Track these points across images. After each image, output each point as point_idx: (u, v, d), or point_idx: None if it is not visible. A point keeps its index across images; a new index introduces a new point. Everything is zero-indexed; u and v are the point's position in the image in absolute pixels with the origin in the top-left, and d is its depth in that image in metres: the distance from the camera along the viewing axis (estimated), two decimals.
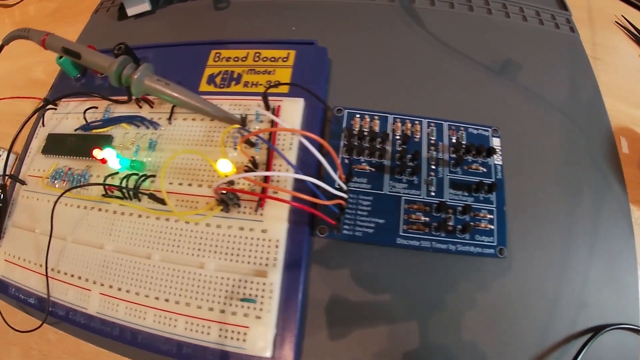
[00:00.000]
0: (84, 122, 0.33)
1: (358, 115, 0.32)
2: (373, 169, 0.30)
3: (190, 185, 0.29)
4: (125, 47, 0.33)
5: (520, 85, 0.34)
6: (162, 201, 0.28)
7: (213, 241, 0.27)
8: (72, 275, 0.30)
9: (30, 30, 0.34)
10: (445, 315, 0.27)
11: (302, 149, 0.28)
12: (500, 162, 0.31)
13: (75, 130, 0.34)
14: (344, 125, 0.31)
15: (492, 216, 0.30)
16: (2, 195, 0.34)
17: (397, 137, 0.31)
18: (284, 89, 0.31)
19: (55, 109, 0.36)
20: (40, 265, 0.31)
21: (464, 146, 0.31)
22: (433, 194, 0.30)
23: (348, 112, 0.32)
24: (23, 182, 0.35)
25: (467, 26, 0.36)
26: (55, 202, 0.29)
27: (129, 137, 0.32)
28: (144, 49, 0.35)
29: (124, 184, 0.29)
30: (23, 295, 0.32)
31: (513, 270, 0.28)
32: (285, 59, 0.32)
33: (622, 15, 0.41)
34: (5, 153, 0.41)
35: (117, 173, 0.31)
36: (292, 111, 0.30)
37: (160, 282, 0.27)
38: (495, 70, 0.35)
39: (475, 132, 0.32)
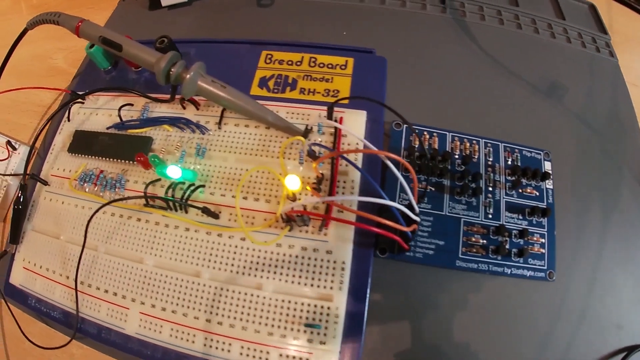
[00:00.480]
0: (119, 120, 0.30)
1: (417, 131, 0.30)
2: (433, 189, 0.29)
3: (245, 198, 0.26)
4: (168, 41, 0.30)
5: (565, 107, 0.33)
6: (215, 215, 0.26)
7: (272, 261, 0.25)
8: (107, 291, 0.27)
9: (61, 15, 0.30)
10: (499, 337, 0.26)
11: (367, 163, 0.27)
12: (551, 187, 0.31)
13: (108, 128, 0.30)
14: (403, 140, 0.30)
15: (543, 240, 0.29)
16: (21, 196, 0.31)
17: (456, 157, 0.30)
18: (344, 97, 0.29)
19: (83, 102, 0.33)
20: (67, 277, 0.28)
21: (521, 169, 0.30)
22: (490, 216, 0.29)
23: (407, 127, 0.30)
24: (45, 182, 0.31)
25: (515, 44, 0.36)
26: (95, 212, 0.26)
27: (172, 141, 0.29)
28: (184, 43, 0.32)
29: (169, 194, 0.27)
30: (45, 308, 0.28)
31: (558, 292, 0.28)
32: (343, 67, 0.30)
33: None
34: (23, 147, 0.37)
35: (158, 180, 0.28)
36: (355, 124, 0.28)
37: (211, 303, 0.25)
38: (542, 90, 0.34)
39: (528, 154, 0.31)
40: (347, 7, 0.35)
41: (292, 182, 0.24)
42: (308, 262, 0.25)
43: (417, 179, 0.29)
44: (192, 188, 0.26)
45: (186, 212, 0.26)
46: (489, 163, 0.30)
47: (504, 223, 0.29)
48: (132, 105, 0.31)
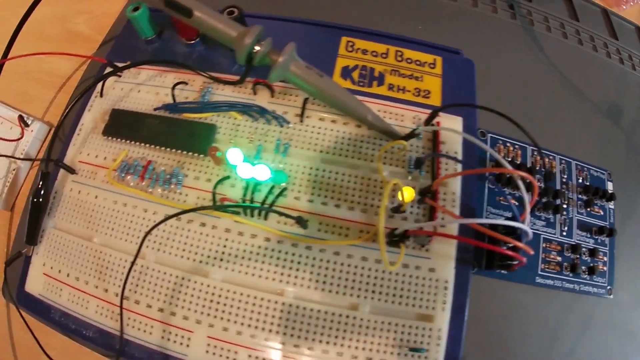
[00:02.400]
0: (171, 101, 0.24)
1: (500, 142, 0.28)
2: (517, 204, 0.27)
3: (337, 206, 0.22)
4: (239, 12, 0.24)
5: (622, 128, 0.33)
6: (304, 224, 0.21)
7: (370, 278, 0.21)
8: (162, 311, 0.21)
9: None
10: (564, 352, 0.26)
11: (466, 178, 0.23)
12: (613, 207, 0.30)
13: (156, 109, 0.24)
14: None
15: (605, 258, 0.28)
16: (42, 187, 0.23)
17: (539, 171, 0.28)
18: (436, 101, 0.25)
19: (120, 76, 0.26)
20: (106, 290, 0.22)
21: (593, 188, 0.29)
22: (564, 233, 0.28)
23: (491, 136, 0.27)
24: (72, 171, 0.24)
25: (578, 59, 0.34)
26: (171, 217, 0.20)
27: (242, 131, 0.23)
28: (251, 18, 0.26)
29: (247, 196, 0.21)
30: (75, 325, 0.22)
31: (615, 308, 0.27)
32: (432, 66, 0.26)
33: None
34: (37, 124, 0.29)
35: (227, 178, 0.22)
36: (451, 128, 0.24)
37: (298, 326, 0.20)
38: (602, 109, 0.33)
39: (595, 174, 0.30)
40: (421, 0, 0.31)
41: (407, 193, 0.20)
42: (409, 280, 0.21)
43: (503, 192, 0.26)
44: (277, 191, 0.21)
45: (265, 218, 0.21)
46: (564, 180, 0.28)
47: (577, 241, 0.28)
48: (186, 84, 0.25)
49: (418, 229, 0.18)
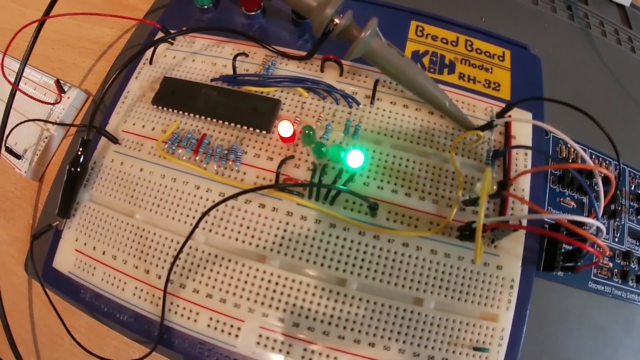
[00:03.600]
0: (231, 73, 0.22)
1: (562, 142, 0.26)
2: (575, 206, 0.25)
3: (408, 195, 0.20)
4: None
5: None
6: (375, 211, 0.19)
7: (438, 273, 0.19)
8: (209, 296, 0.19)
9: None
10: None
11: (535, 173, 0.22)
12: None
13: (213, 80, 0.22)
14: (550, 150, 0.25)
15: None
16: (81, 156, 0.21)
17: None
18: (505, 94, 0.23)
19: (172, 43, 0.23)
20: (147, 272, 0.19)
21: None
22: (616, 239, 0.26)
23: (553, 136, 0.26)
24: (115, 140, 0.22)
25: (631, 66, 0.33)
26: (230, 198, 0.17)
27: (308, 109, 0.21)
28: None
29: (314, 179, 0.19)
30: (108, 307, 0.19)
31: None
32: (501, 58, 0.24)
33: None
34: (74, 91, 0.26)
35: (292, 157, 0.20)
36: (522, 125, 0.22)
37: (360, 320, 0.18)
38: None
39: None
40: None
41: (489, 185, 0.18)
42: (476, 277, 0.19)
43: (563, 193, 0.25)
44: (349, 175, 0.19)
45: (331, 203, 0.19)
46: (618, 186, 0.27)
47: (628, 248, 0.26)
48: (246, 55, 0.22)
49: (502, 222, 0.16)
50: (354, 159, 0.17)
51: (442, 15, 0.23)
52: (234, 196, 0.17)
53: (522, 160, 0.21)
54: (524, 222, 0.19)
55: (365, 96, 0.20)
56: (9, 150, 0.25)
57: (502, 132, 0.21)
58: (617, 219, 0.26)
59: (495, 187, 0.16)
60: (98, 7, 0.29)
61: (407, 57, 0.18)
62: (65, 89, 0.26)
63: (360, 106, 0.20)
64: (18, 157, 0.26)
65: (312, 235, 0.18)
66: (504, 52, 0.23)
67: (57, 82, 0.26)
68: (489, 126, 0.19)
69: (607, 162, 0.27)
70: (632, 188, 0.27)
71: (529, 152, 0.21)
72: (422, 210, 0.19)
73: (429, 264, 0.18)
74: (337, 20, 0.18)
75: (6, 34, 0.24)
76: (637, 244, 0.27)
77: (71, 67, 0.27)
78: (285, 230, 0.18)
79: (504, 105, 0.21)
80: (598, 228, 0.16)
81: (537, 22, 0.29)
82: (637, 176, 0.27)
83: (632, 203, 0.27)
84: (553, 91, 0.25)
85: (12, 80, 0.24)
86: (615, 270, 0.25)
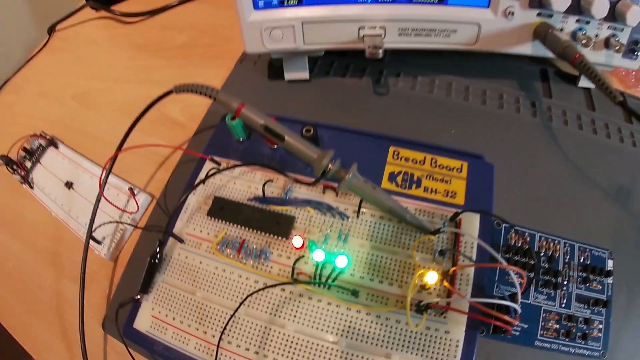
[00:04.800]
0: (261, 195, 0.41)
1: (513, 231, 0.43)
2: (522, 280, 0.42)
3: (381, 282, 0.38)
4: (314, 130, 0.41)
5: (630, 209, 0.47)
6: (357, 294, 0.37)
7: (402, 335, 0.36)
8: (247, 349, 0.36)
9: (219, 93, 0.39)
10: None
11: (479, 260, 0.39)
12: (612, 282, 0.44)
13: (249, 200, 0.41)
14: (502, 238, 0.42)
15: (601, 326, 0.43)
16: (158, 252, 0.41)
17: (543, 255, 0.43)
18: (460, 200, 0.41)
19: (219, 167, 0.43)
20: (205, 332, 0.38)
21: (591, 268, 0.43)
22: (563, 305, 0.43)
23: (505, 226, 0.43)
24: (181, 240, 0.41)
25: (591, 147, 0.49)
26: (266, 288, 0.36)
27: (314, 222, 0.39)
28: (320, 126, 0.41)
29: (318, 272, 0.38)
30: (175, 357, 0.38)
31: None
32: (459, 170, 0.41)
33: None
34: (143, 196, 0.47)
35: (303, 256, 0.39)
36: (471, 225, 0.39)
37: None
38: (610, 193, 0.47)
39: (596, 253, 0.45)
40: (453, 104, 0.47)
41: (432, 277, 0.36)
42: (430, 338, 0.36)
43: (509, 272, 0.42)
44: (339, 270, 0.38)
45: (328, 289, 0.38)
46: (566, 260, 0.43)
47: (574, 312, 0.42)
48: (272, 181, 0.42)
49: (435, 303, 0.34)
50: (341, 261, 0.35)
51: (413, 139, 0.41)
52: (268, 287, 0.35)
53: (468, 251, 0.38)
54: (467, 303, 0.36)
55: (353, 211, 0.39)
56: (93, 238, 0.46)
57: (453, 232, 0.38)
58: (563, 289, 0.42)
59: (431, 279, 0.34)
60: (154, 121, 0.48)
61: (378, 188, 0.36)
62: (135, 192, 0.47)
63: (350, 219, 0.39)
64: (98, 242, 0.47)
65: (316, 309, 0.37)
66: (462, 165, 0.41)
67: (131, 189, 0.46)
68: (438, 231, 0.37)
69: (556, 241, 0.43)
70: (582, 260, 0.44)
71: (475, 242, 0.38)
72: (391, 293, 0.37)
73: (395, 329, 0.36)
74: (330, 166, 0.36)
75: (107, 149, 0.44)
76: (585, 306, 0.43)
77: (136, 172, 0.47)
78: (298, 306, 0.37)
79: (457, 210, 0.39)
80: (514, 309, 0.33)
81: (502, 125, 0.46)
82: (587, 250, 0.44)
83: (580, 273, 0.43)
84: (510, 185, 0.42)
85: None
86: (562, 330, 0.41)
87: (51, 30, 0.75)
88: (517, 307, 0.33)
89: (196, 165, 0.43)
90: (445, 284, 0.35)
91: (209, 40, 0.59)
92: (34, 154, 0.58)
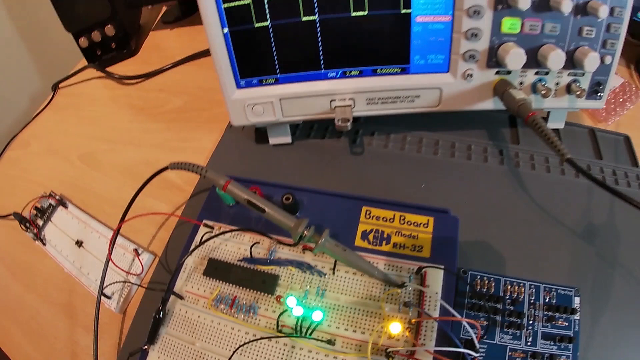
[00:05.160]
0: (249, 256, 0.50)
1: (478, 277, 0.51)
2: (488, 323, 0.50)
3: (354, 331, 0.46)
4: (293, 198, 0.50)
5: (594, 245, 0.54)
6: (332, 343, 0.46)
7: None
8: None
9: (208, 171, 0.49)
10: None
11: (442, 313, 0.47)
12: (578, 318, 0.52)
13: (239, 261, 0.50)
14: (468, 284, 0.50)
15: None
16: (162, 309, 0.50)
17: (507, 298, 0.51)
18: (427, 253, 0.49)
19: (212, 231, 0.52)
20: None
21: (555, 307, 0.51)
22: (529, 343, 0.50)
23: (471, 273, 0.51)
24: (181, 297, 0.50)
25: (559, 189, 0.56)
26: (253, 341, 0.46)
27: (296, 280, 0.48)
28: (298, 190, 0.50)
29: (299, 324, 0.47)
30: None
31: None
32: (425, 226, 0.50)
33: None
34: (146, 255, 0.56)
35: (285, 311, 0.48)
36: (435, 276, 0.47)
37: None
38: (578, 232, 0.54)
39: (562, 292, 0.52)
40: (424, 159, 0.55)
41: (395, 328, 0.44)
42: None
43: (478, 315, 0.50)
44: (316, 323, 0.46)
45: (308, 338, 0.46)
46: (532, 301, 0.51)
47: (540, 349, 0.50)
48: (258, 243, 0.51)
49: (397, 351, 0.42)
50: (317, 316, 0.44)
51: (384, 199, 0.50)
52: (257, 339, 0.44)
53: (433, 301, 0.46)
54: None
55: (330, 268, 0.47)
56: (103, 294, 0.55)
57: (419, 283, 0.47)
58: (529, 329, 0.50)
59: (395, 330, 0.42)
60: (153, 183, 0.58)
61: (348, 250, 0.45)
62: (140, 252, 0.56)
63: (327, 275, 0.47)
64: (108, 297, 0.56)
65: (298, 356, 0.45)
66: (428, 220, 0.49)
67: (136, 250, 0.56)
68: (404, 285, 0.46)
69: (521, 284, 0.51)
70: (547, 300, 0.51)
71: (439, 292, 0.46)
72: (364, 340, 0.45)
73: None
74: (305, 233, 0.45)
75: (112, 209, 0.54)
76: (551, 343, 0.51)
77: (140, 232, 0.56)
78: (283, 353, 0.46)
79: (425, 264, 0.47)
80: (469, 354, 0.41)
81: (469, 176, 0.54)
82: (552, 289, 0.51)
83: (545, 312, 0.51)
84: (480, 234, 0.51)
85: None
86: None
87: (55, 86, 0.86)
88: (474, 353, 0.41)
89: (192, 228, 0.52)
90: (407, 333, 0.43)
91: (201, 105, 0.69)
92: (45, 213, 0.69)
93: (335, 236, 0.47)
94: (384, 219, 0.49)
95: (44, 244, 0.66)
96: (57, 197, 0.68)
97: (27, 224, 0.68)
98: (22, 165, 0.76)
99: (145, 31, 0.97)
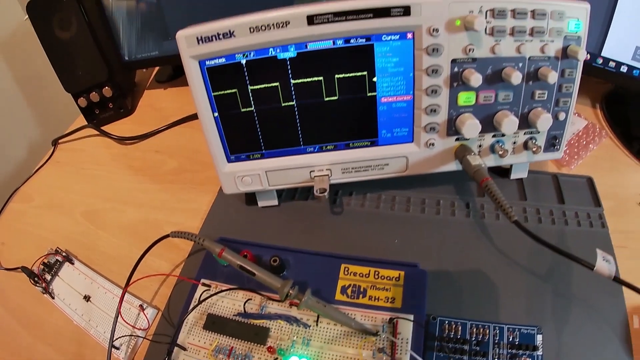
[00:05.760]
0: (243, 311, 0.62)
1: (446, 322, 0.63)
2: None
3: None
4: (280, 260, 0.62)
5: (556, 286, 0.65)
6: None
7: None
8: None
9: (205, 240, 0.62)
10: None
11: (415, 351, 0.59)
12: (541, 353, 0.63)
13: (234, 316, 0.62)
14: (437, 329, 0.62)
15: None
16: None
17: (473, 340, 0.63)
18: (398, 304, 0.61)
19: (209, 289, 0.65)
20: None
21: (517, 345, 0.63)
22: None
23: (440, 319, 0.63)
24: (184, 349, 0.63)
25: (522, 236, 0.67)
26: None
27: (284, 332, 0.59)
28: (284, 251, 0.62)
29: None
30: None
31: None
32: (397, 279, 0.61)
33: None
34: (150, 310, 0.69)
35: (276, 359, 0.60)
36: (405, 325, 0.60)
37: None
38: (538, 273, 0.66)
39: (525, 331, 0.64)
40: (397, 216, 0.68)
41: None
42: None
43: (446, 357, 0.62)
44: None
45: None
46: (496, 341, 0.63)
47: None
48: (251, 299, 0.63)
49: None
50: None
51: (361, 255, 0.62)
52: None
53: (404, 346, 0.59)
54: None
55: (314, 321, 0.60)
56: (113, 345, 0.67)
57: (391, 332, 0.59)
58: None
59: None
60: (151, 238, 0.70)
61: (328, 305, 0.57)
62: (144, 307, 0.69)
63: (311, 327, 0.60)
64: (117, 348, 0.69)
65: None
66: (399, 274, 0.61)
67: (141, 306, 0.68)
68: (377, 334, 0.58)
69: (485, 326, 0.63)
70: (511, 339, 0.63)
71: (410, 339, 0.58)
72: None
73: None
74: (290, 292, 0.58)
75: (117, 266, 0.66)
76: None
77: (145, 288, 0.68)
78: None
79: (396, 314, 0.60)
80: None
81: (438, 230, 0.67)
82: (516, 330, 0.63)
83: (509, 350, 0.63)
84: (448, 283, 0.62)
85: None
86: None
87: (55, 142, 0.99)
88: None
89: (191, 287, 0.64)
90: None
91: (195, 167, 0.80)
92: (52, 268, 0.80)
93: (317, 292, 0.59)
94: (361, 275, 0.61)
95: (53, 298, 0.77)
96: (64, 254, 0.80)
97: (36, 279, 0.79)
98: (27, 219, 0.85)
99: (140, 90, 1.09)
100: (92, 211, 0.79)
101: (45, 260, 0.79)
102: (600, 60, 0.81)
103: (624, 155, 0.80)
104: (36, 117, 1.12)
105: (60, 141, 0.97)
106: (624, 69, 0.79)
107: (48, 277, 0.78)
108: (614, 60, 0.80)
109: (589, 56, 0.82)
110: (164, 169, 0.84)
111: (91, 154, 0.93)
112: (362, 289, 0.59)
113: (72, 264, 0.78)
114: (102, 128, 0.96)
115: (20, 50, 1.12)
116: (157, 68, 1.10)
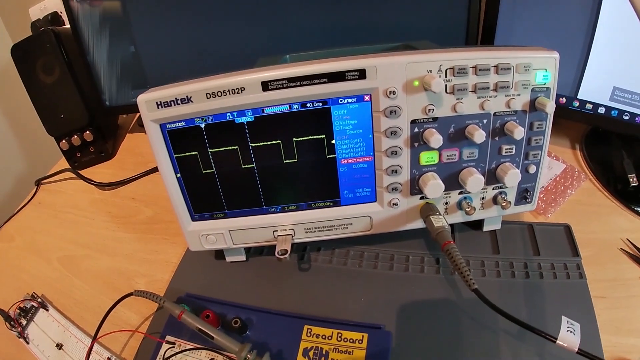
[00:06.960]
0: None
1: None
2: None
3: None
4: (241, 322, 0.62)
5: (528, 350, 0.65)
6: None
7: None
8: None
9: (166, 301, 0.62)
10: None
11: None
12: None
13: None
14: None
15: None
16: None
17: None
18: None
19: (174, 346, 0.65)
20: None
21: None
22: None
23: None
24: None
25: (495, 290, 0.67)
26: None
27: None
28: (248, 310, 0.64)
29: None
30: None
31: None
32: (360, 342, 0.61)
33: (627, 239, 0.70)
34: None
35: None
36: None
37: None
38: (511, 336, 0.65)
39: None
40: (364, 273, 0.68)
41: None
42: None
43: None
44: None
45: None
46: None
47: None
48: (214, 359, 0.63)
49: None
50: None
51: (324, 317, 0.62)
52: None
53: None
54: None
55: None
56: None
57: None
58: None
59: None
60: (120, 288, 0.71)
61: None
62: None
63: None
64: None
65: None
66: (362, 336, 0.61)
67: (109, 358, 0.69)
68: None
69: None
70: None
71: None
72: None
73: None
74: (249, 356, 0.58)
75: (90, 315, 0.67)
76: None
77: (114, 340, 0.69)
78: None
79: None
80: None
81: (406, 287, 0.66)
82: None
83: None
84: (415, 341, 0.62)
85: None
86: None
87: (38, 182, 1.00)
88: None
89: (157, 344, 0.65)
90: None
91: (168, 217, 0.84)
92: (28, 313, 0.82)
93: (279, 353, 0.60)
94: (323, 337, 0.62)
95: (27, 343, 0.79)
96: (39, 300, 0.81)
97: (12, 323, 0.81)
98: (7, 260, 0.89)
99: (122, 133, 1.15)
100: (68, 257, 0.82)
101: (22, 305, 0.81)
102: (576, 104, 0.81)
103: (604, 197, 0.81)
104: (22, 153, 1.14)
105: (42, 182, 0.99)
106: (601, 110, 0.80)
107: (24, 322, 0.80)
108: (590, 102, 0.81)
109: (564, 100, 0.82)
110: (139, 218, 0.88)
111: (71, 197, 0.98)
112: (324, 352, 0.59)
113: (47, 310, 0.80)
114: (83, 171, 1.02)
115: (9, 86, 1.13)
116: (138, 114, 1.11)
